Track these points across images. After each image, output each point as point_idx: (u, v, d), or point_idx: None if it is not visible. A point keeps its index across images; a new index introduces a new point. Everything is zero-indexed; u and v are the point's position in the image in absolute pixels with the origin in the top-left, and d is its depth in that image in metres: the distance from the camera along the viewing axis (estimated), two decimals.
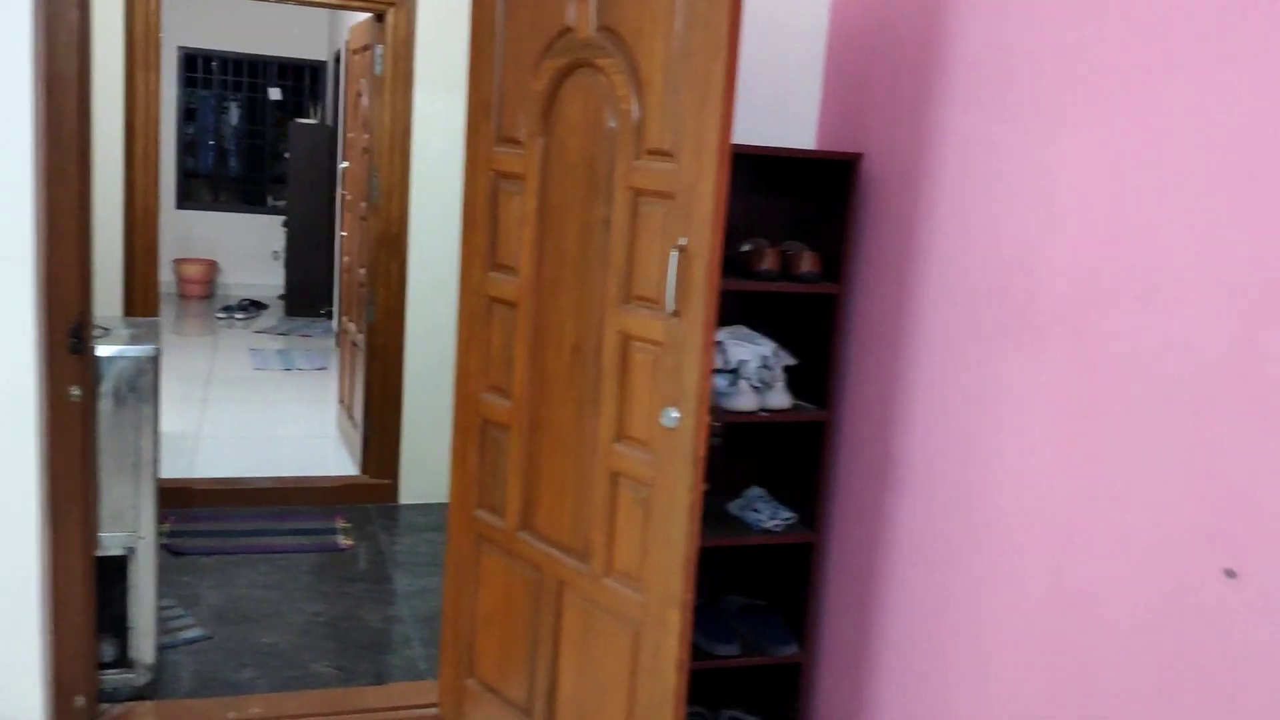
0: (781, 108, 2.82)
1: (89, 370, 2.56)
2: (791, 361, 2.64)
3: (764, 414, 2.59)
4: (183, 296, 9.34)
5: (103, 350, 2.71)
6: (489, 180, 2.60)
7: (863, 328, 2.60)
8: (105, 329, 2.92)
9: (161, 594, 3.64)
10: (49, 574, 2.48)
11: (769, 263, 2.54)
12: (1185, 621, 1.69)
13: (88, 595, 2.59)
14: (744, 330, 2.67)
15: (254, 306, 8.95)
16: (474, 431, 2.69)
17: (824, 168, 2.66)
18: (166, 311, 8.81)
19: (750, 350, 2.60)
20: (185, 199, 9.46)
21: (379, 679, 3.20)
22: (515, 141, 2.52)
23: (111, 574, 2.82)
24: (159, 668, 3.07)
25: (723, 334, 2.63)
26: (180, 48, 9.14)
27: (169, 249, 9.34)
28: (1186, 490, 1.70)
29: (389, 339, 4.61)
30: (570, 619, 2.47)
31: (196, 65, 9.33)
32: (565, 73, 2.38)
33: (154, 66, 4.17)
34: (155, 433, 2.80)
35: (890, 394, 2.48)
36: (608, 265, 2.31)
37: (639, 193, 2.24)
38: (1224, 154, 1.65)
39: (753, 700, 2.97)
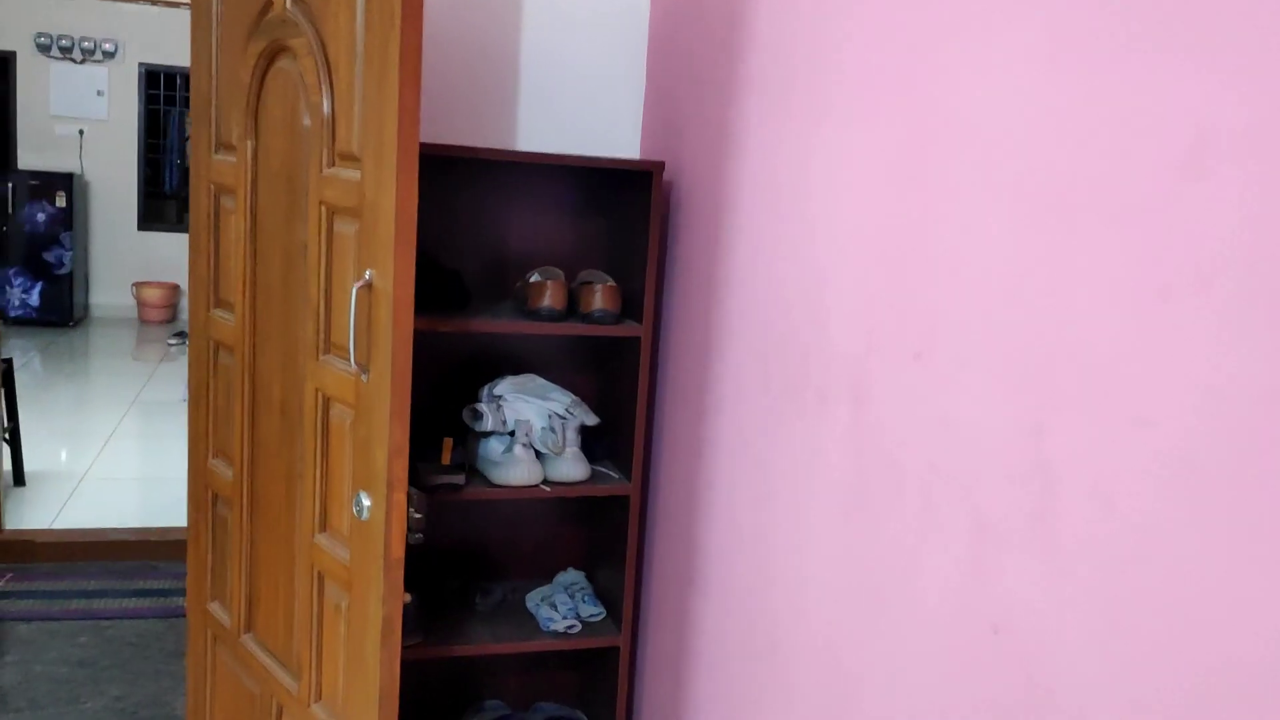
0: (605, 115, 2.29)
1: None
2: (590, 420, 2.11)
3: (546, 489, 2.05)
4: (143, 321, 8.98)
5: None
6: (209, 195, 2.10)
7: (673, 378, 2.06)
8: None
9: None
10: None
11: (551, 299, 2.01)
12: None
13: None
14: (535, 380, 2.14)
15: None
16: (204, 506, 2.18)
17: (628, 180, 2.12)
18: (124, 336, 8.45)
19: (536, 408, 2.07)
20: (148, 219, 9.11)
21: None
22: (231, 147, 2.02)
23: None
24: None
25: (504, 386, 2.10)
26: (142, 64, 8.80)
27: (129, 271, 9.01)
28: (967, 653, 1.15)
29: None
30: None
31: (159, 82, 8.99)
32: (269, 58, 1.88)
33: None
34: None
35: (695, 463, 1.94)
36: (306, 303, 1.80)
37: (332, 210, 1.72)
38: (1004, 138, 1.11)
39: None
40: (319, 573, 1.81)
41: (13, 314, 8.18)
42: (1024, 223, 1.08)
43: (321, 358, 1.77)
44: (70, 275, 8.31)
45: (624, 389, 2.12)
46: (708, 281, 1.90)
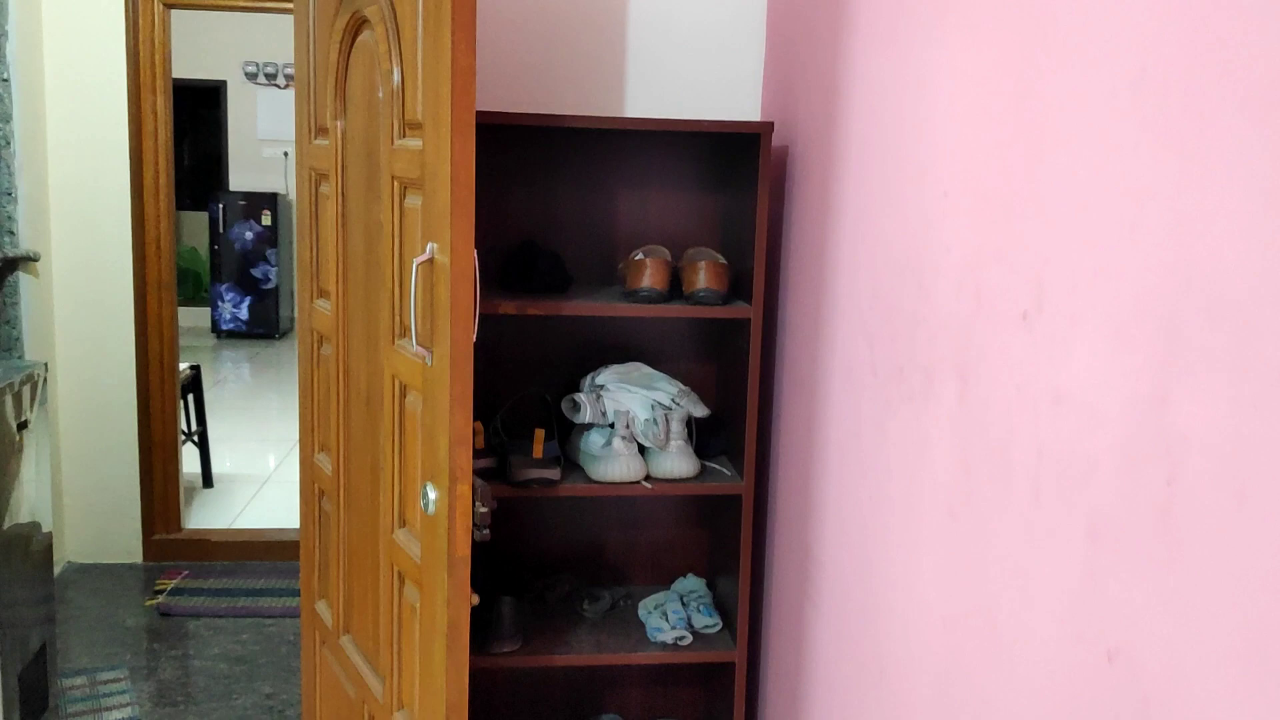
0: (721, 79, 2.11)
1: None
2: (699, 412, 1.92)
3: (648, 485, 1.88)
4: None
5: None
6: (310, 181, 2.05)
7: (789, 364, 1.85)
8: None
9: (118, 663, 3.31)
10: None
11: (651, 279, 1.85)
12: None
13: None
14: (640, 369, 1.98)
15: None
16: (312, 501, 2.13)
17: (739, 147, 1.93)
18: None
19: (640, 399, 1.90)
20: None
21: None
22: (325, 130, 1.96)
23: None
24: None
25: (607, 375, 1.95)
26: None
27: None
28: (1080, 683, 0.90)
29: None
30: None
31: None
32: (353, 32, 1.80)
33: (163, 91, 3.91)
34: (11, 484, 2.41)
35: (807, 459, 1.72)
36: (383, 285, 1.70)
37: (404, 184, 1.62)
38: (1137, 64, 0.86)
39: None
40: (398, 571, 1.71)
41: (224, 327, 8.69)
42: (1148, 131, 0.83)
43: (397, 342, 1.66)
44: (276, 290, 8.76)
45: (736, 377, 1.93)
46: (818, 252, 1.68)
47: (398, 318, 1.66)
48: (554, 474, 1.84)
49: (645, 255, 1.89)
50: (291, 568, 4.11)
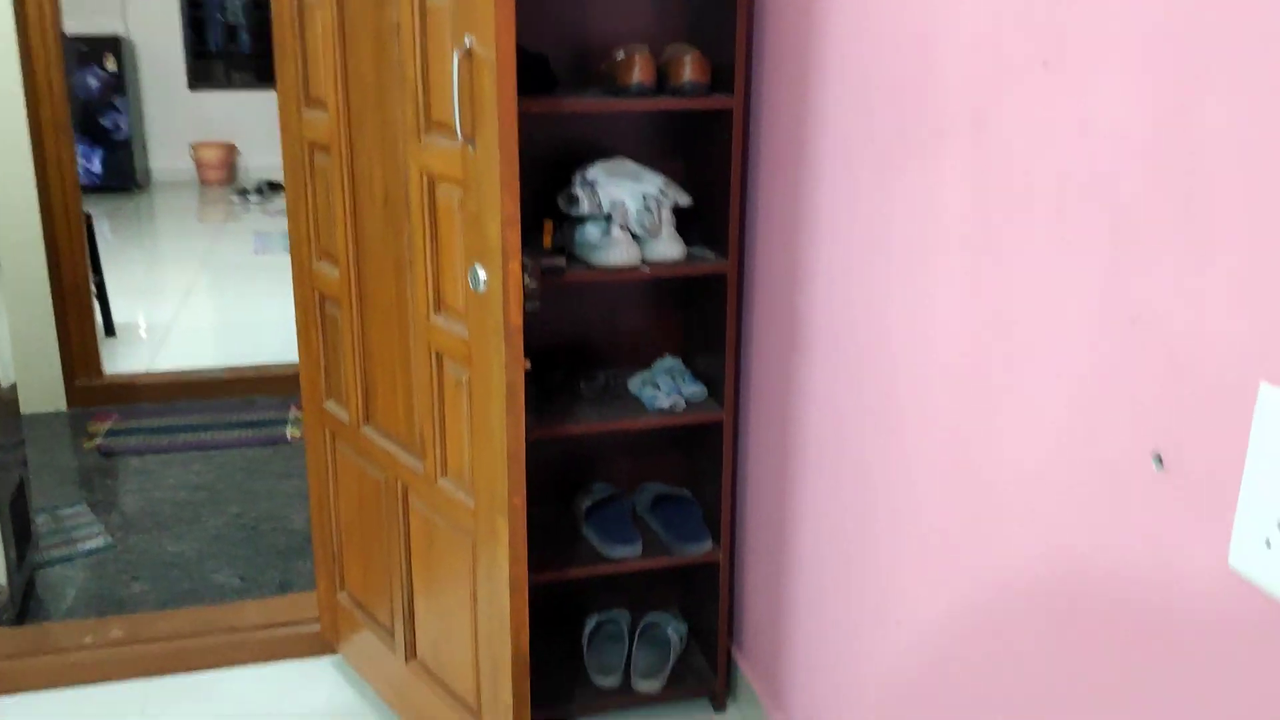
0: None
1: None
2: (684, 200, 2.11)
3: (646, 269, 2.07)
4: (202, 182, 9.04)
5: None
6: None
7: (767, 150, 2.04)
8: None
9: (75, 501, 3.36)
10: None
11: (640, 74, 1.99)
12: (1098, 514, 1.17)
13: None
14: (626, 164, 2.14)
15: (271, 189, 8.60)
16: (312, 308, 2.24)
17: None
18: (186, 198, 8.54)
19: (629, 189, 2.07)
20: (198, 80, 9.07)
21: (283, 588, 2.87)
22: None
23: None
24: (25, 587, 2.78)
25: (595, 171, 2.10)
26: None
27: (184, 132, 9.03)
28: (1106, 346, 1.16)
29: None
30: (417, 529, 2.05)
31: None
32: None
33: None
34: None
35: (794, 232, 1.94)
36: (403, 84, 1.80)
37: None
38: None
39: (682, 601, 2.54)
40: (436, 353, 1.87)
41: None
42: None
43: (424, 138, 1.78)
44: (129, 140, 8.35)
45: (715, 168, 2.11)
46: (803, 39, 1.86)
47: (423, 115, 1.77)
48: (562, 262, 2.01)
49: (630, 53, 2.02)
50: (223, 405, 4.17)
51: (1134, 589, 1.13)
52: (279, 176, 8.96)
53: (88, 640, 2.48)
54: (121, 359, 4.63)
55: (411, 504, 2.04)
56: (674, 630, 2.39)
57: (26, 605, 2.74)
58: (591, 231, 2.06)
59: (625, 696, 2.29)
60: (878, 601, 1.72)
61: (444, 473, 1.93)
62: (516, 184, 1.61)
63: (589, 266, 2.06)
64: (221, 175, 9.04)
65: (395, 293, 1.95)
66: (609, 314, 2.37)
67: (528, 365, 1.69)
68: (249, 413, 4.11)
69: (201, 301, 5.70)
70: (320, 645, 2.51)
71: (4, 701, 2.39)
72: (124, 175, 8.40)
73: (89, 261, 4.74)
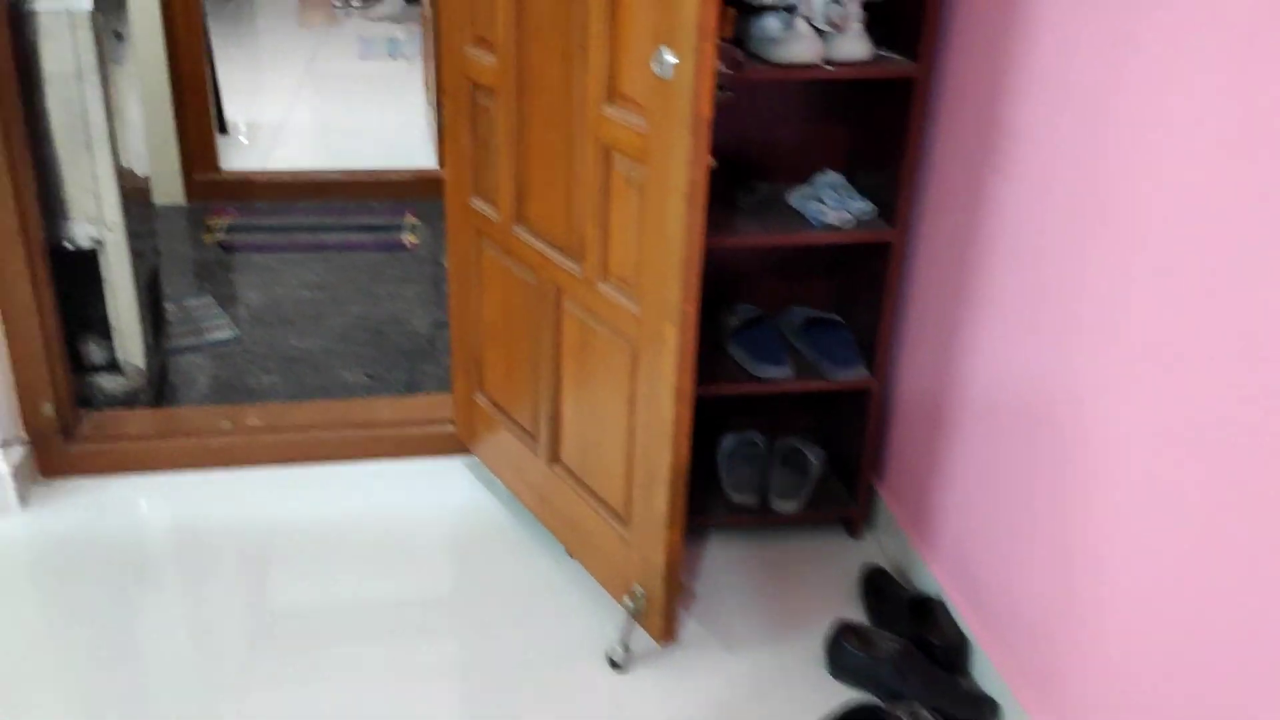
0: None
1: (5, 27, 2.10)
2: None
3: (829, 67, 1.91)
4: None
5: (32, 5, 2.23)
6: None
7: None
8: None
9: (199, 292, 3.38)
10: None
11: None
12: None
13: (40, 291, 2.26)
14: None
15: None
16: (462, 97, 2.13)
17: None
18: (285, 2, 8.34)
19: None
20: None
21: (410, 389, 2.86)
22: None
23: (86, 271, 2.49)
24: (166, 372, 2.81)
25: None
26: None
27: None
28: None
29: None
30: (569, 332, 1.99)
31: None
32: None
33: None
34: (107, 108, 2.36)
35: (1003, 33, 1.75)
36: None
37: None
38: None
39: (818, 429, 2.47)
40: (605, 147, 1.75)
41: None
42: None
43: None
44: None
45: None
46: None
47: None
48: (741, 54, 1.86)
49: None
50: (335, 206, 4.13)
51: None
52: None
53: (224, 425, 2.50)
54: (237, 156, 4.59)
55: (565, 307, 1.97)
56: (813, 455, 2.33)
57: (162, 389, 2.78)
58: (771, 24, 1.90)
59: (761, 515, 2.25)
60: (1066, 460, 1.62)
61: (604, 276, 1.84)
62: None
63: (764, 62, 1.91)
64: None
65: (560, 82, 1.82)
66: (772, 120, 2.22)
67: (713, 163, 1.57)
68: (365, 216, 4.07)
69: (308, 104, 5.60)
70: (454, 445, 2.51)
71: (142, 479, 2.44)
72: None
73: (206, 54, 4.67)
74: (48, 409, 2.33)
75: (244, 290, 3.43)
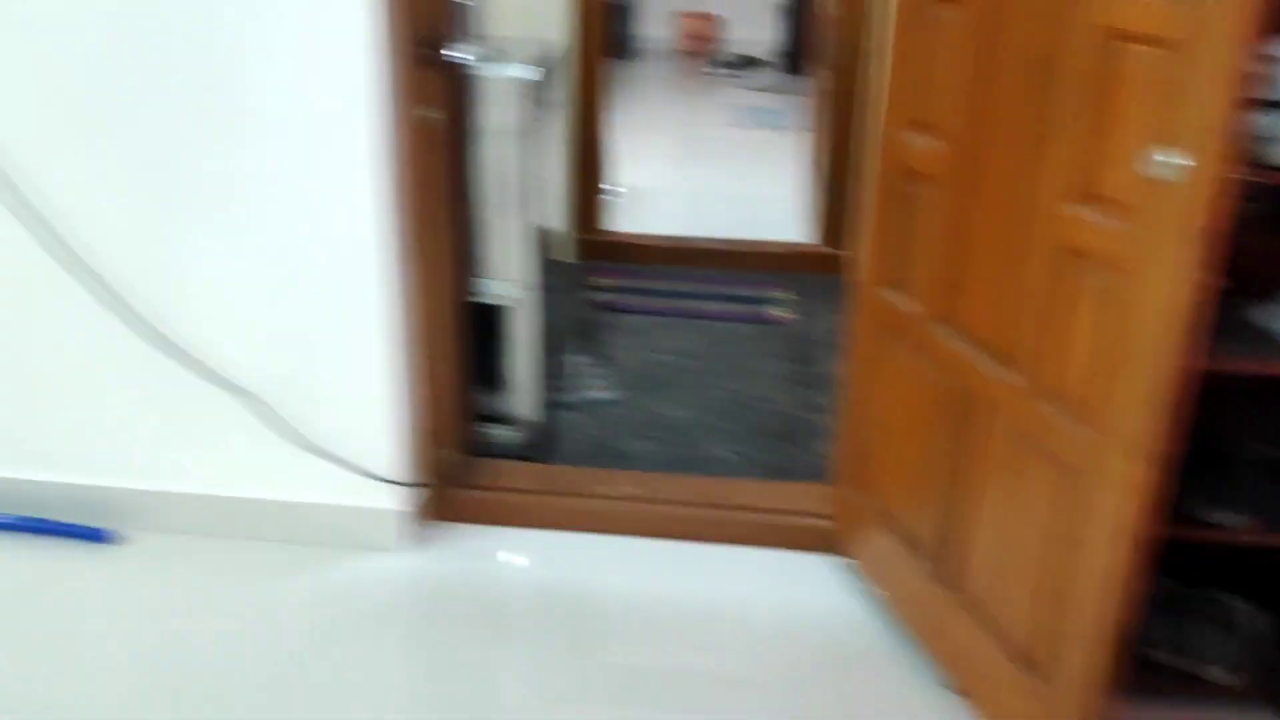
0: None
1: (450, 89, 2.23)
2: None
3: None
4: (683, 52, 9.18)
5: (478, 70, 2.37)
6: None
7: None
8: (498, 50, 2.59)
9: (581, 350, 3.48)
10: (407, 314, 2.25)
11: None
12: None
13: (453, 342, 2.37)
14: None
15: (748, 63, 8.54)
16: (893, 182, 2.01)
17: None
18: (663, 66, 8.72)
19: None
20: None
21: (778, 473, 2.76)
22: None
23: (489, 323, 2.59)
24: (549, 427, 2.88)
25: None
26: None
27: (672, 2, 9.16)
28: None
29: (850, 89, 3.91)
30: (988, 447, 1.80)
31: None
32: None
33: None
34: (532, 171, 2.45)
35: None
36: None
37: None
38: None
39: (1262, 584, 2.11)
40: (1065, 249, 1.57)
41: None
42: None
43: None
44: (624, 8, 8.59)
45: None
46: None
47: None
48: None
49: None
50: (706, 274, 4.15)
51: None
52: (758, 52, 8.91)
53: (600, 490, 2.51)
54: (614, 218, 4.76)
55: (986, 419, 1.79)
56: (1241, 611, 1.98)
57: (549, 445, 2.85)
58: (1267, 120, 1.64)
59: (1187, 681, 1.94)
60: None
61: (1043, 392, 1.65)
62: (1254, 41, 1.25)
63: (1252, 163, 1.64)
64: (701, 46, 9.11)
65: (1013, 175, 1.66)
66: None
67: (1227, 282, 1.35)
68: (734, 286, 4.06)
69: (682, 169, 5.75)
70: (823, 541, 2.37)
71: (519, 533, 2.48)
72: (616, 44, 8.69)
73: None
74: (447, 455, 2.43)
75: (622, 352, 3.49)
